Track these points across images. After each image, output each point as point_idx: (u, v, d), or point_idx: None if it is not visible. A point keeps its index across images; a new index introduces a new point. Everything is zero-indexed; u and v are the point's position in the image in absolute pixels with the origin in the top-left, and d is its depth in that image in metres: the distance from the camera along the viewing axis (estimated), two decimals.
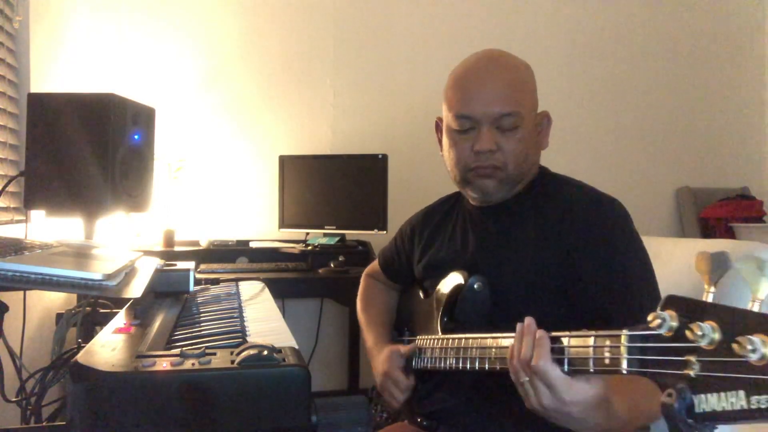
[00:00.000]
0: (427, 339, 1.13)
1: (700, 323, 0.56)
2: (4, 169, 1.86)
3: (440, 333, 1.11)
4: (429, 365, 1.10)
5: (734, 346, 0.53)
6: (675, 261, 1.29)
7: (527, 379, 0.83)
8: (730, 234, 3.07)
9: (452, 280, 1.13)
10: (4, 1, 1.90)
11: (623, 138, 3.23)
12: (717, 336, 0.55)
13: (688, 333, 0.58)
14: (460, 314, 1.10)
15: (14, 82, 1.98)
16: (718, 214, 3.13)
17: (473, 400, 1.09)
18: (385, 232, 2.52)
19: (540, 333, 0.82)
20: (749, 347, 0.51)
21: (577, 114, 3.16)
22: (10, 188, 1.66)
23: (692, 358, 0.58)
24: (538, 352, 0.81)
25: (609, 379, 0.81)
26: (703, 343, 0.56)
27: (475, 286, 1.08)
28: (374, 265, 1.50)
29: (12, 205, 1.88)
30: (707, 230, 3.16)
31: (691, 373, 0.57)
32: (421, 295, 1.27)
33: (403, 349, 1.18)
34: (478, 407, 1.09)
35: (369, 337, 1.34)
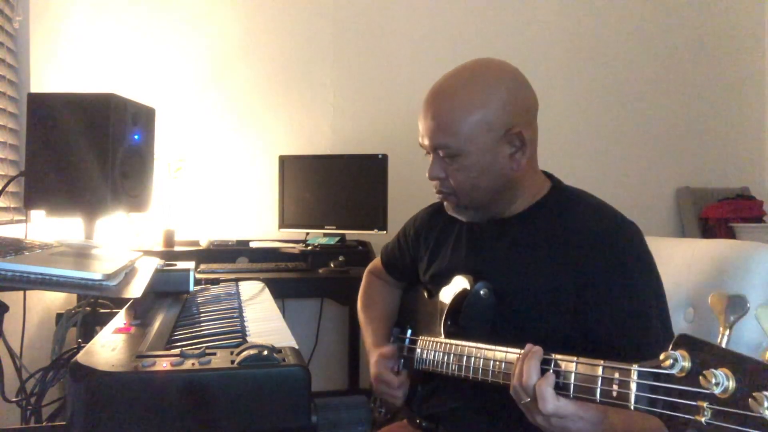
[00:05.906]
0: (430, 341, 1.13)
1: (714, 371, 0.55)
2: (4, 169, 1.86)
3: (443, 336, 1.11)
4: (431, 368, 1.10)
5: (750, 401, 0.52)
6: (675, 261, 1.29)
7: (528, 400, 0.83)
8: (730, 234, 3.07)
9: (458, 284, 1.12)
10: (4, 1, 1.90)
11: (623, 138, 3.22)
12: (731, 385, 0.54)
13: (701, 379, 0.56)
14: (464, 320, 1.09)
15: (14, 82, 1.98)
16: (718, 214, 3.13)
17: (473, 403, 1.09)
18: (385, 232, 2.52)
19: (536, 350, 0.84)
20: (767, 404, 0.50)
21: (578, 114, 3.15)
22: (10, 188, 1.66)
23: (704, 404, 0.56)
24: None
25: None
26: (717, 391, 0.55)
27: (482, 293, 1.07)
28: (377, 262, 1.49)
29: (12, 205, 1.88)
30: (707, 230, 3.16)
31: (702, 420, 0.56)
32: (426, 295, 1.27)
33: (386, 351, 1.20)
34: (478, 410, 1.08)
35: (367, 337, 1.34)
